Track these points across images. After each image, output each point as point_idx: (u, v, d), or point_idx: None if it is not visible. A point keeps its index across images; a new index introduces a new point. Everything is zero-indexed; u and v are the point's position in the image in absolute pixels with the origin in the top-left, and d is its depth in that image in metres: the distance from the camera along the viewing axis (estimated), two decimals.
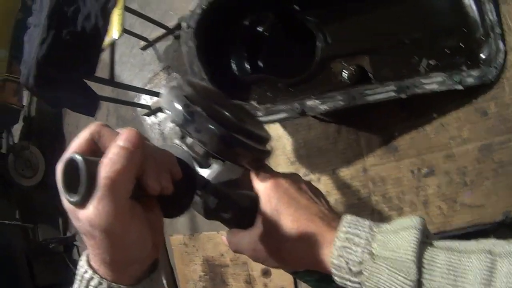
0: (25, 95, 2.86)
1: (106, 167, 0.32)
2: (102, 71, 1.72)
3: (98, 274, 0.36)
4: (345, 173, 0.85)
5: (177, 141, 0.46)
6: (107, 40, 1.48)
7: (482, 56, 0.76)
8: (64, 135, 2.98)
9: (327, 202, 0.47)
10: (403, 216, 0.79)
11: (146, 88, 2.19)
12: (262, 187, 0.45)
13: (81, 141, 0.35)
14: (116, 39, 1.52)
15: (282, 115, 0.73)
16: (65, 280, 2.54)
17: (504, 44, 0.75)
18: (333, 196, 0.86)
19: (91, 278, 0.36)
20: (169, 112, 0.43)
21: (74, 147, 0.35)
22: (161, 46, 2.38)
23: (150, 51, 2.43)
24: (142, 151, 0.35)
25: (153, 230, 0.38)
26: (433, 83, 0.72)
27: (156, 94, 2.06)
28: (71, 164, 0.34)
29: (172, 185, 0.38)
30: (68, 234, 2.72)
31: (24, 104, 2.82)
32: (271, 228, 0.43)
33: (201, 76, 0.78)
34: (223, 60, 0.87)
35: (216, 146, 0.42)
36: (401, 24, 0.80)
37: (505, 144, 0.76)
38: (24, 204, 2.71)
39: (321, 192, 0.48)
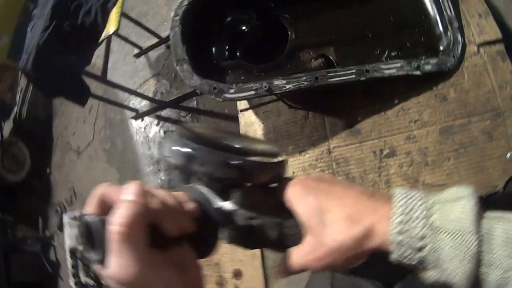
0: (18, 94, 2.92)
1: (113, 222, 0.33)
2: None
3: None
4: (311, 154, 0.91)
5: (196, 184, 0.44)
6: (103, 35, 1.59)
7: (441, 47, 0.85)
8: (53, 138, 3.02)
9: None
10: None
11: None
12: (292, 195, 0.44)
13: (92, 204, 0.36)
14: (111, 34, 1.62)
15: (251, 93, 0.80)
16: (40, 279, 2.52)
17: (463, 37, 0.83)
18: (299, 176, 0.92)
19: None
20: (170, 158, 0.43)
21: (87, 210, 0.36)
22: (153, 54, 2.48)
23: (142, 59, 2.54)
24: (145, 199, 0.35)
25: (184, 273, 0.37)
26: (392, 68, 0.80)
27: (145, 97, 2.13)
28: (87, 226, 0.35)
29: (194, 224, 0.39)
30: (47, 233, 2.72)
31: (17, 101, 2.88)
32: (323, 228, 0.41)
33: (183, 57, 0.85)
34: (205, 46, 0.95)
35: (224, 172, 0.41)
36: (365, 20, 0.90)
37: (466, 127, 0.82)
38: (7, 199, 2.72)
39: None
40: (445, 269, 0.35)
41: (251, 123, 0.99)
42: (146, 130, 2.36)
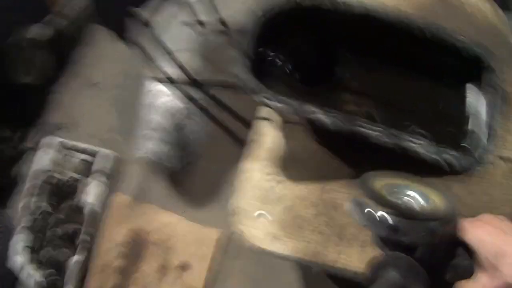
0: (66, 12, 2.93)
1: None
2: None
3: None
4: (305, 186, 0.92)
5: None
6: None
7: (464, 145, 0.88)
8: (74, 60, 3.00)
9: None
10: (339, 243, 0.86)
11: None
12: (475, 238, 0.53)
13: None
14: None
15: (286, 108, 0.83)
16: None
17: (490, 144, 0.86)
18: (286, 202, 0.92)
19: None
20: (369, 225, 0.51)
21: None
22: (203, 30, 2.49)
23: (191, 29, 2.54)
24: None
25: None
26: (416, 143, 0.81)
27: (180, 65, 2.13)
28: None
29: None
30: (22, 146, 2.70)
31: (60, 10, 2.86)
32: (496, 270, 0.50)
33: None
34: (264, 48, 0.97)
35: (427, 239, 0.50)
36: (413, 94, 0.94)
37: None
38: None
39: None
40: None
41: (262, 134, 1.01)
42: (162, 97, 2.36)
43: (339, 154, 0.94)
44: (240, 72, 0.83)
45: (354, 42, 0.96)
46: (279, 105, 0.82)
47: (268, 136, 0.99)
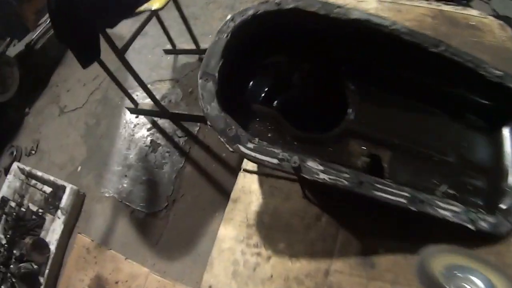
0: (43, 26, 2.79)
1: None
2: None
3: None
4: (303, 266, 0.69)
5: None
6: (144, 7, 1.52)
7: (503, 206, 0.67)
8: (49, 82, 2.86)
9: None
10: None
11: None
12: None
13: None
14: (152, 10, 1.50)
15: (273, 161, 0.60)
16: None
17: None
18: (276, 284, 0.69)
19: None
20: None
21: None
22: (183, 59, 2.32)
23: (170, 57, 2.37)
24: None
25: None
26: (448, 210, 0.61)
27: (152, 96, 1.92)
28: None
29: None
30: None
31: (36, 28, 2.73)
32: None
33: (213, 73, 0.66)
34: (243, 75, 0.76)
35: None
36: (438, 140, 0.72)
37: None
38: None
39: None
40: None
41: (248, 192, 0.77)
42: (134, 129, 2.15)
43: (342, 220, 0.71)
44: (212, 108, 0.60)
45: (357, 66, 0.74)
46: (260, 156, 0.59)
47: (254, 196, 0.76)
